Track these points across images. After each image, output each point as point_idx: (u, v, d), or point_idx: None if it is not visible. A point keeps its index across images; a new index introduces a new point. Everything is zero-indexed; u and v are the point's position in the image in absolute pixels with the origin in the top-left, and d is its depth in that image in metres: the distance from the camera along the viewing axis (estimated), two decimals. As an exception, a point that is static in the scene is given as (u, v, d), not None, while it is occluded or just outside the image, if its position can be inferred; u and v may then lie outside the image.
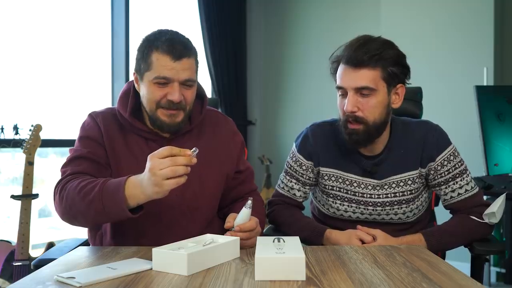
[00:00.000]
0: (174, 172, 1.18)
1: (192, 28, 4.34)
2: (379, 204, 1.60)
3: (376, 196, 1.60)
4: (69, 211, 1.34)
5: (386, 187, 1.59)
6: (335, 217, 1.67)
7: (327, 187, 1.65)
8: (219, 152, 1.56)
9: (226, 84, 4.56)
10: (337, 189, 1.63)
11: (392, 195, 1.59)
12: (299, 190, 1.71)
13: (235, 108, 4.63)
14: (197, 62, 1.47)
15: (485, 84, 3.29)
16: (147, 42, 1.42)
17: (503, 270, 3.28)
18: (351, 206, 1.62)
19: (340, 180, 1.63)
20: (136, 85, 1.48)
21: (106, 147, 1.47)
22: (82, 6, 3.57)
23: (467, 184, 1.59)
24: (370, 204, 1.60)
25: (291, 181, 1.71)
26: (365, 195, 1.60)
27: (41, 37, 3.27)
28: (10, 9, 3.11)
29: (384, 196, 1.59)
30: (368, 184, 1.60)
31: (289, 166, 1.71)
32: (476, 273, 1.59)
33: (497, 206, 1.53)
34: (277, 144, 4.82)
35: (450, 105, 3.45)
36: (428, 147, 1.58)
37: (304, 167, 1.67)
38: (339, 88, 1.53)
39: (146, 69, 1.41)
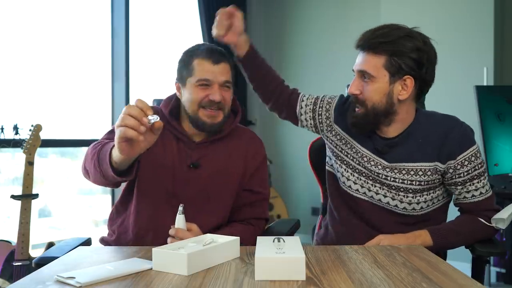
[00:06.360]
0: (124, 134, 1.15)
1: (192, 28, 4.34)
2: (386, 185, 1.59)
3: (384, 177, 1.59)
4: (84, 165, 1.48)
5: (395, 171, 1.58)
6: (346, 195, 1.67)
7: (337, 147, 1.69)
8: (235, 163, 1.62)
9: (226, 84, 4.55)
10: (350, 157, 1.65)
11: (400, 180, 1.57)
12: (306, 113, 1.80)
13: (235, 108, 4.62)
14: (233, 71, 1.61)
15: (485, 84, 3.29)
16: (188, 53, 1.59)
17: (503, 270, 3.28)
18: (360, 179, 1.63)
19: (352, 149, 1.65)
20: (178, 94, 1.62)
21: None
22: (82, 6, 3.57)
23: (483, 187, 1.57)
24: (378, 182, 1.60)
25: (310, 104, 1.81)
26: (373, 172, 1.60)
27: (41, 37, 3.27)
28: (10, 9, 3.11)
29: (392, 179, 1.58)
30: (378, 163, 1.60)
31: (317, 97, 1.83)
32: (477, 274, 1.58)
33: (508, 213, 1.50)
34: (277, 144, 4.82)
35: (450, 105, 3.43)
36: (450, 142, 1.53)
37: (327, 107, 1.76)
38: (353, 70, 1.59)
39: (189, 75, 1.55)
